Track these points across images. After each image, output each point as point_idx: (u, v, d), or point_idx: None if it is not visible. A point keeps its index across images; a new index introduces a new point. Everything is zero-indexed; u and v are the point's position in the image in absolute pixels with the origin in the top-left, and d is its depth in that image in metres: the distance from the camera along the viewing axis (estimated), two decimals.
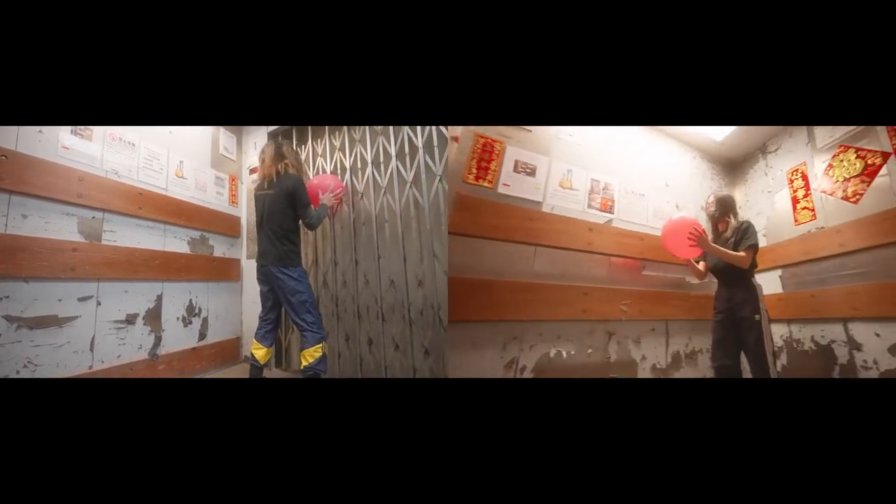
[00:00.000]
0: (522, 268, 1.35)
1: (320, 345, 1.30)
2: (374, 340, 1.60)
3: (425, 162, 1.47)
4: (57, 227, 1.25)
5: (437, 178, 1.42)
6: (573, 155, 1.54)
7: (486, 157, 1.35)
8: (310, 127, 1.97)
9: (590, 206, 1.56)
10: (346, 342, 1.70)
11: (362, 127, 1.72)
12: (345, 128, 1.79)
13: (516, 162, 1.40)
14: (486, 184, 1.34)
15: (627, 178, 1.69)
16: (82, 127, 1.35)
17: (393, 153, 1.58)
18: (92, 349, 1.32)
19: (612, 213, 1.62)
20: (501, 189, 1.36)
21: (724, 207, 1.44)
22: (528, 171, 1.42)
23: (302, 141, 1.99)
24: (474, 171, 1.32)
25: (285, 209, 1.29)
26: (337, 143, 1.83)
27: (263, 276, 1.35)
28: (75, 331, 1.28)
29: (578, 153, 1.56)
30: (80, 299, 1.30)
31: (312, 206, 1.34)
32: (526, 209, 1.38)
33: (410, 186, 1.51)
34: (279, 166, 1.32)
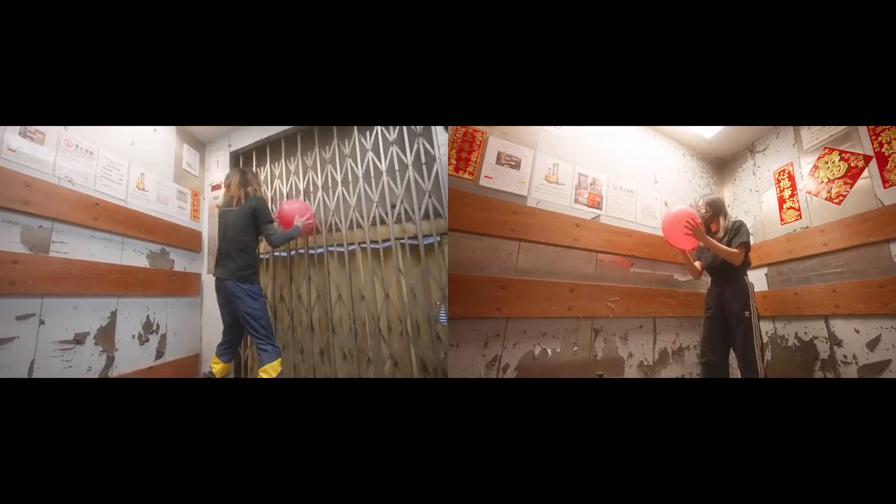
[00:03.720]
0: (505, 263, 1.33)
1: (279, 360, 1.38)
2: (331, 353, 1.60)
3: (415, 178, 1.47)
4: None
5: (427, 193, 1.42)
6: (559, 149, 1.52)
7: (466, 148, 1.32)
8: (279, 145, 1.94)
9: (577, 201, 1.54)
10: (301, 354, 1.69)
11: (331, 148, 1.70)
12: (315, 148, 1.77)
13: (499, 154, 1.37)
14: (466, 176, 1.31)
15: (616, 174, 1.68)
16: (33, 129, 1.24)
17: (383, 168, 1.57)
18: (30, 374, 1.17)
19: (600, 209, 1.60)
20: (483, 182, 1.33)
21: (716, 209, 1.46)
22: (512, 163, 1.40)
23: (271, 160, 1.95)
24: (454, 162, 1.29)
25: (248, 226, 1.41)
26: (310, 162, 1.80)
27: (221, 291, 1.44)
28: (10, 354, 1.12)
29: (565, 147, 1.54)
30: (18, 318, 1.15)
31: (277, 223, 1.45)
32: (510, 203, 1.36)
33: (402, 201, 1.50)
34: (247, 189, 1.47)
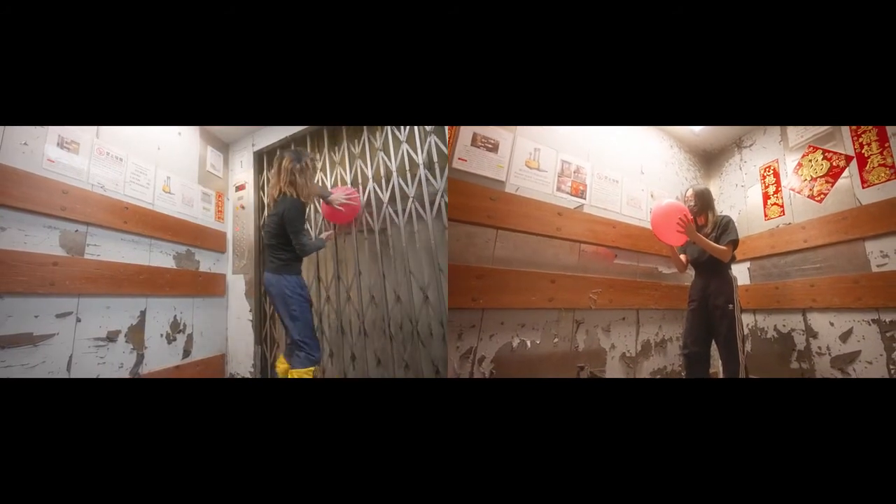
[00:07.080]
0: (482, 252, 1.29)
1: (311, 368, 1.28)
2: (356, 355, 1.56)
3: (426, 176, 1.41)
4: (37, 240, 1.20)
5: (439, 192, 1.37)
6: (541, 133, 1.47)
7: None
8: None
9: (559, 189, 1.50)
10: (331, 358, 1.65)
11: (360, 142, 1.63)
12: (344, 143, 1.70)
13: (475, 135, 1.30)
14: None
15: (601, 163, 1.64)
16: (69, 140, 1.32)
17: (393, 168, 1.50)
18: (69, 369, 1.25)
19: (584, 199, 1.57)
20: (456, 164, 1.26)
21: (704, 202, 1.45)
22: (490, 146, 1.33)
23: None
24: None
25: (279, 231, 1.31)
26: (338, 157, 1.73)
27: (265, 287, 1.37)
28: (51, 349, 1.20)
29: (547, 132, 1.49)
30: (58, 316, 1.23)
31: (306, 232, 1.32)
32: (486, 188, 1.30)
33: (413, 201, 1.44)
34: (282, 186, 1.32)
